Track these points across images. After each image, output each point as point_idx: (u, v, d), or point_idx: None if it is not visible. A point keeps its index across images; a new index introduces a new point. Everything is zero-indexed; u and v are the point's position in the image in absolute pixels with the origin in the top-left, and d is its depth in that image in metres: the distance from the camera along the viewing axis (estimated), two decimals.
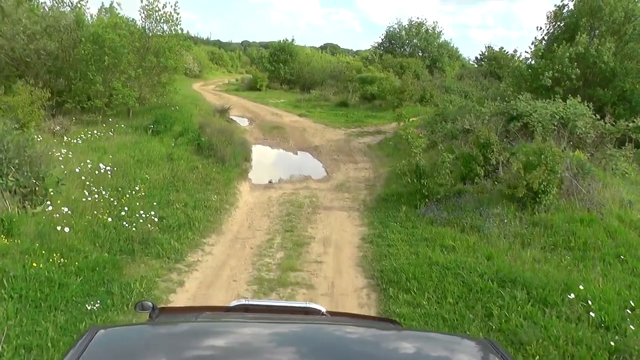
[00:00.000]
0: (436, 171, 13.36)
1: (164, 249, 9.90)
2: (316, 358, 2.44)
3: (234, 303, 4.17)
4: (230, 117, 28.29)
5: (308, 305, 4.35)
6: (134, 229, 10.22)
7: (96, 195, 11.30)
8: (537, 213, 12.33)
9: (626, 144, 16.34)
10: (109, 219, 10.38)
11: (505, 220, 11.94)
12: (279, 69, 43.34)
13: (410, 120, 30.22)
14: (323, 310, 4.40)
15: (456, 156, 14.96)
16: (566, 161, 12.99)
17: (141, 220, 10.57)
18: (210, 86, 47.22)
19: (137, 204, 11.60)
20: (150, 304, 3.83)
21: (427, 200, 13.43)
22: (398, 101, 31.55)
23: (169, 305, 7.62)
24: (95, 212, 10.59)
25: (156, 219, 10.90)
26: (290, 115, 30.89)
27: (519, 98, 17.41)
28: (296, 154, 22.23)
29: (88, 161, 13.46)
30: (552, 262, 10.14)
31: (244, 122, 27.82)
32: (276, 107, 33.73)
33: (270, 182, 17.28)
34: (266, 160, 20.84)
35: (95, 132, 18.03)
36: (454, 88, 35.63)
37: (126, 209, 10.99)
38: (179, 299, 8.26)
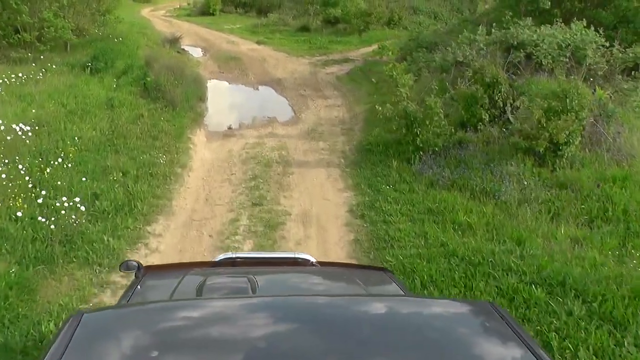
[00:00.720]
0: (430, 117, 10.75)
1: (94, 250, 7.28)
2: (314, 328, 2.35)
3: (220, 257, 4.08)
4: (182, 47, 25.03)
5: (297, 256, 4.28)
6: (53, 220, 7.48)
7: (4, 173, 8.42)
8: (558, 169, 9.92)
9: (633, 73, 13.91)
10: (21, 210, 7.63)
11: (525, 182, 9.50)
12: None
13: (376, 46, 27.57)
14: (313, 260, 4.33)
15: (451, 96, 12.37)
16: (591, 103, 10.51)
17: (66, 205, 7.82)
18: (160, 11, 43.04)
19: (61, 181, 8.79)
20: (135, 263, 3.64)
21: (421, 152, 10.90)
22: (364, 25, 28.53)
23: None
24: (1, 198, 7.81)
25: (83, 207, 7.98)
26: (248, 42, 27.71)
27: (518, 23, 14.68)
28: (257, 89, 19.34)
29: None
30: (594, 243, 7.79)
31: (197, 53, 24.62)
32: (232, 33, 30.42)
33: (229, 128, 14.54)
34: (224, 100, 17.94)
35: (20, 74, 14.86)
36: (423, 9, 32.68)
37: (44, 192, 8.18)
38: None
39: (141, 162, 10.44)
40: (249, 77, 20.54)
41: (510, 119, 11.09)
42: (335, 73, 21.58)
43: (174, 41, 24.93)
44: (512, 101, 11.36)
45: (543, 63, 13.08)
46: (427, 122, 10.72)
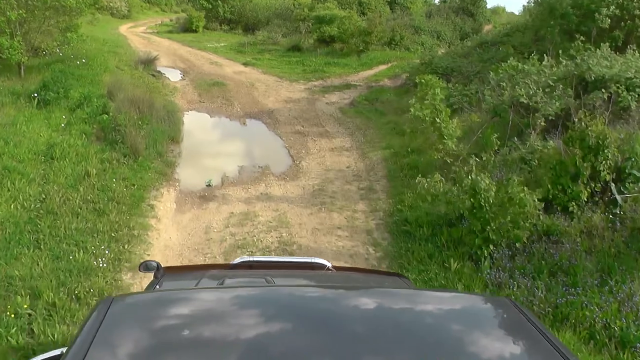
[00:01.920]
0: (510, 201, 6.88)
1: None
2: (324, 319, 2.32)
3: (237, 260, 4.08)
4: (158, 69, 21.13)
5: (313, 260, 4.31)
6: None
7: None
8: None
9: None
10: None
11: None
12: (217, 7, 35.41)
13: (378, 69, 23.77)
14: (329, 264, 4.37)
15: (524, 159, 8.59)
16: None
17: None
18: (140, 28, 38.92)
19: None
20: (154, 263, 3.64)
21: (491, 246, 7.07)
22: (364, 45, 24.77)
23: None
24: None
25: None
26: (233, 63, 23.80)
27: (590, 51, 10.88)
28: (245, 124, 15.40)
29: None
30: None
31: (175, 76, 20.65)
32: (215, 52, 26.47)
33: (208, 185, 10.62)
34: (203, 140, 13.97)
35: None
36: (424, 28, 28.98)
37: None
38: None
39: (69, 268, 6.51)
40: (235, 108, 16.61)
41: (618, 198, 7.29)
42: (337, 103, 17.75)
43: (149, 62, 21.07)
44: (616, 170, 7.55)
45: (632, 106, 9.35)
46: (506, 206, 6.86)
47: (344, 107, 17.13)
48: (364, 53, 24.82)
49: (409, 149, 12.14)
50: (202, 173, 11.28)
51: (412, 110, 10.97)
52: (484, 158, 8.58)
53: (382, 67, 23.77)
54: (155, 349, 2.08)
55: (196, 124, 15.02)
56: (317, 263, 4.18)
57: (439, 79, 14.69)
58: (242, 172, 11.51)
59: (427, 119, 9.04)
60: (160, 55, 22.76)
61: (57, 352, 3.16)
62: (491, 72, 13.13)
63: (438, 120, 8.99)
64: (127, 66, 20.16)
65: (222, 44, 29.25)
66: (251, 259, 4.22)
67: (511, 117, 10.15)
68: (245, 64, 23.40)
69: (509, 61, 12.37)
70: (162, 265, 3.90)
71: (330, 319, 2.31)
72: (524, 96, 9.88)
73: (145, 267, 3.87)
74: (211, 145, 13.57)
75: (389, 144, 13.04)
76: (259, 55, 25.75)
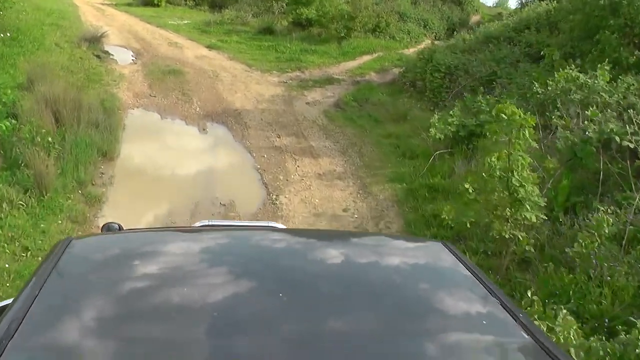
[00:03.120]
0: None
1: None
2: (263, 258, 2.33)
3: (198, 224, 4.06)
4: (106, 48, 16.99)
5: (269, 224, 4.36)
6: None
7: None
8: None
9: None
10: None
11: None
12: None
13: (362, 60, 19.98)
14: (284, 227, 4.78)
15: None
16: None
17: None
18: None
19: None
20: (116, 225, 3.44)
21: None
22: (346, 31, 20.90)
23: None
24: None
25: None
26: (196, 45, 19.68)
27: None
28: (204, 130, 11.53)
29: None
30: None
31: (124, 59, 16.47)
32: (177, 31, 22.20)
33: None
34: (147, 154, 10.02)
35: None
36: (410, 15, 25.22)
37: None
38: None
39: None
40: (193, 106, 12.69)
41: None
42: (320, 103, 13.99)
43: (95, 40, 16.88)
44: None
45: None
46: None
47: (329, 110, 13.35)
48: (345, 40, 20.96)
49: (430, 186, 8.50)
50: (140, 214, 7.46)
51: (432, 131, 7.46)
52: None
53: (367, 58, 19.98)
54: (110, 292, 1.93)
55: (141, 130, 11.10)
56: (272, 227, 4.02)
57: (482, 90, 11.21)
58: (196, 212, 7.75)
59: (496, 173, 5.39)
60: (111, 32, 18.62)
61: (7, 301, 2.40)
62: (534, 83, 9.60)
63: (516, 178, 5.34)
64: (69, 43, 16.08)
65: (185, 22, 24.95)
66: (211, 222, 4.00)
67: (601, 156, 6.52)
68: (210, 47, 19.32)
69: (565, 72, 8.79)
70: (124, 227, 3.48)
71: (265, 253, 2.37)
72: (628, 137, 6.23)
73: (107, 228, 3.52)
74: (158, 164, 9.64)
75: (397, 173, 9.41)
76: (225, 36, 21.65)
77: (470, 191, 5.77)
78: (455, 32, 27.49)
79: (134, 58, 16.78)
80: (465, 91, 13.73)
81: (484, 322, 1.96)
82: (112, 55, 16.42)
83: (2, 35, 13.69)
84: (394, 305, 1.98)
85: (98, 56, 15.90)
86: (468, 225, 5.90)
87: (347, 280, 2.13)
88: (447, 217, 5.90)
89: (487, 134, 6.02)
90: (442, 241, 2.63)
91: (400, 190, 8.69)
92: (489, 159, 5.63)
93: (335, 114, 13.07)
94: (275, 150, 10.51)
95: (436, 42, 25.19)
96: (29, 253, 6.26)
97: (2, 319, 1.70)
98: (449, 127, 9.34)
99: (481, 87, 13.28)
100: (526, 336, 1.81)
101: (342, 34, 20.81)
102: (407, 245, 2.86)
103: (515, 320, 1.89)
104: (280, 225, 4.55)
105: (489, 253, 6.55)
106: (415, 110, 13.63)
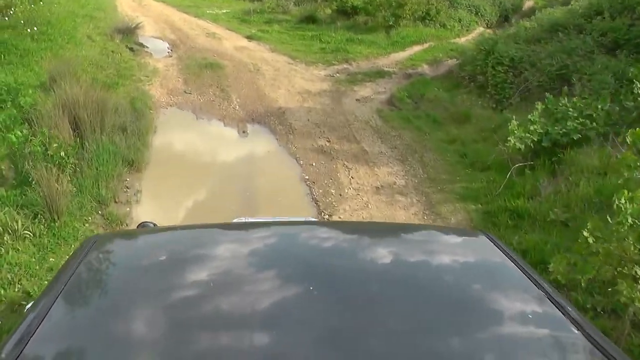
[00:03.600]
0: None
1: None
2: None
3: (234, 220, 3.88)
4: (140, 40, 15.78)
5: (307, 219, 4.31)
6: None
7: None
8: None
9: None
10: None
11: None
12: None
13: (413, 50, 18.35)
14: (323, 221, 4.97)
15: None
16: None
17: None
18: None
19: None
20: (151, 224, 3.25)
21: None
22: (394, 19, 19.29)
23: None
24: None
25: None
26: (235, 36, 18.33)
27: None
28: (245, 133, 10.15)
29: None
30: None
31: (160, 51, 15.22)
32: (215, 21, 20.85)
33: None
34: (179, 164, 8.66)
35: None
36: (461, 1, 23.45)
37: None
38: None
39: None
40: (232, 105, 11.33)
41: None
42: (371, 100, 12.49)
43: (129, 31, 15.69)
44: None
45: None
46: None
47: (382, 109, 11.84)
48: (393, 29, 19.37)
49: (512, 210, 6.97)
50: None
51: (511, 140, 5.99)
52: None
53: (417, 48, 18.36)
54: (135, 290, 1.87)
55: (174, 133, 9.78)
56: (312, 221, 4.01)
57: (559, 88, 9.59)
58: None
59: (627, 221, 3.85)
60: (147, 22, 17.44)
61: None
62: (628, 82, 8.03)
63: None
64: (102, 36, 14.88)
65: (224, 11, 23.61)
66: (246, 220, 3.76)
67: None
68: (250, 38, 17.93)
69: None
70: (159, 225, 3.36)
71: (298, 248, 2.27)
72: None
73: (143, 227, 3.34)
74: (192, 175, 8.28)
75: (468, 190, 7.91)
76: (266, 26, 20.25)
77: (591, 241, 4.22)
78: (508, 19, 25.72)
79: (169, 50, 15.50)
80: (532, 87, 12.12)
81: (530, 315, 1.82)
82: (146, 47, 15.18)
83: (29, 29, 12.51)
84: (439, 300, 1.86)
85: (131, 49, 14.68)
86: (583, 283, 4.36)
87: (392, 276, 2.02)
88: (556, 272, 4.35)
89: (620, 168, 4.40)
90: (484, 232, 2.52)
91: (475, 212, 7.17)
92: (617, 200, 4.07)
93: (390, 113, 11.55)
94: (325, 156, 9.08)
95: (488, 30, 23.47)
96: (31, 300, 4.96)
97: (25, 317, 1.63)
98: (531, 136, 7.79)
99: (553, 83, 11.69)
100: (575, 331, 1.69)
101: (390, 23, 19.22)
102: (450, 237, 2.74)
103: (564, 314, 1.77)
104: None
105: (600, 311, 5.02)
106: (477, 108, 12.01)
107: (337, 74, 14.44)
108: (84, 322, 1.70)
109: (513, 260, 2.13)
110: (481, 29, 23.74)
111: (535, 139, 7.83)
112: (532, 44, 14.24)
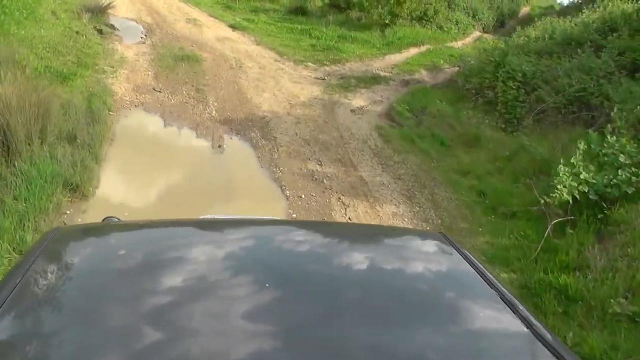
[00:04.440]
0: None
1: None
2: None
3: (200, 217, 3.47)
4: (112, 21, 13.83)
5: (276, 219, 4.20)
6: None
7: None
8: None
9: None
10: None
11: None
12: None
13: (409, 53, 16.62)
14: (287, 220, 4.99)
15: None
16: None
17: None
18: None
19: None
20: (116, 219, 2.97)
21: None
22: (390, 17, 17.56)
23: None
24: None
25: None
26: (218, 24, 16.41)
27: None
28: (220, 147, 8.29)
29: None
30: None
31: (132, 36, 13.24)
32: (197, 5, 18.78)
33: None
34: (136, 188, 6.81)
35: None
36: (459, 3, 21.79)
37: None
38: None
39: None
40: (208, 109, 9.50)
41: None
42: (368, 112, 10.78)
43: (99, 10, 13.73)
44: None
45: None
46: None
47: (381, 125, 10.11)
48: (389, 28, 17.66)
49: (557, 289, 5.30)
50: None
51: (559, 189, 4.58)
52: None
53: (414, 51, 16.69)
54: (94, 285, 1.77)
55: (135, 144, 7.91)
56: (276, 220, 3.97)
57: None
58: None
59: None
60: (122, 1, 15.40)
61: None
62: None
63: None
64: (68, 13, 12.90)
65: None
66: (214, 217, 3.44)
67: None
68: (233, 27, 16.05)
69: None
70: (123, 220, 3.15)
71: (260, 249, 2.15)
72: None
73: (107, 221, 3.04)
74: (149, 203, 6.45)
75: (494, 248, 6.25)
76: (252, 15, 18.36)
77: None
78: (504, 24, 24.21)
79: (143, 36, 13.56)
80: (548, 109, 10.55)
81: (482, 314, 1.81)
82: (117, 30, 13.23)
83: None
84: (391, 296, 1.84)
85: (100, 31, 12.74)
86: None
87: (349, 274, 1.97)
88: None
89: None
90: (442, 233, 2.49)
91: (509, 284, 5.49)
92: None
93: (390, 130, 9.82)
94: (317, 186, 7.33)
95: (485, 35, 21.99)
96: None
97: None
98: (578, 187, 6.15)
99: (570, 106, 10.17)
100: (525, 329, 1.67)
101: (386, 21, 17.52)
102: (407, 237, 2.73)
103: (514, 313, 1.74)
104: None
105: None
106: (485, 128, 10.40)
107: (329, 77, 12.65)
108: (37, 320, 1.57)
109: (469, 261, 2.09)
110: (478, 33, 22.26)
111: (584, 190, 6.19)
112: (542, 57, 12.62)
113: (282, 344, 1.51)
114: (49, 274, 1.85)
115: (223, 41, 14.14)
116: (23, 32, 10.15)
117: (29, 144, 6.28)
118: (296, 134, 8.93)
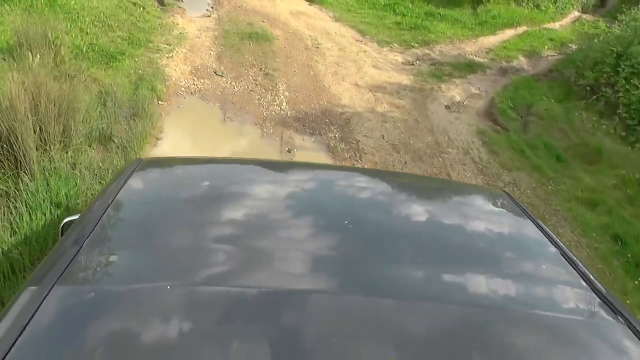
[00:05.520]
0: None
1: None
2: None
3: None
4: None
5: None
6: None
7: None
8: None
9: None
10: None
11: None
12: None
13: (505, 35, 14.40)
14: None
15: None
16: None
17: None
18: None
19: None
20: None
21: None
22: None
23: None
24: None
25: None
26: None
27: None
28: (289, 152, 6.54)
29: None
30: None
31: (197, 8, 11.55)
32: None
33: None
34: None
35: None
36: None
37: None
38: None
39: None
40: (277, 99, 7.77)
41: None
42: (465, 107, 8.87)
43: None
44: None
45: None
46: None
47: (483, 128, 8.14)
48: (481, 5, 15.44)
49: None
50: None
51: None
52: None
53: (510, 33, 14.47)
54: (176, 214, 1.83)
55: (185, 145, 6.23)
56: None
57: None
58: None
59: None
60: None
61: (74, 217, 2.11)
62: None
63: None
64: None
65: None
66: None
67: None
68: (310, 1, 14.14)
69: None
70: None
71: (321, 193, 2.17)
72: None
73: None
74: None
75: None
76: None
77: None
78: (604, 3, 21.47)
79: (209, 8, 11.88)
80: None
81: (544, 267, 1.80)
82: (181, 1, 11.59)
83: None
84: (452, 251, 1.78)
85: (161, 1, 11.13)
86: None
87: (412, 223, 1.94)
88: None
89: None
90: (505, 192, 2.46)
91: None
92: None
93: (494, 136, 7.86)
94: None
95: (584, 16, 19.43)
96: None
97: (69, 234, 1.60)
98: None
99: None
100: (584, 284, 1.66)
101: None
102: (470, 192, 2.70)
103: (575, 270, 1.73)
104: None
105: None
106: (603, 136, 8.36)
107: (418, 62, 10.72)
108: (124, 245, 1.62)
109: (532, 220, 2.05)
110: (576, 12, 19.67)
111: None
112: None
113: (341, 278, 1.50)
114: (133, 200, 1.88)
115: (298, 16, 12.34)
116: (73, 2, 8.67)
117: (46, 150, 4.73)
118: (382, 137, 7.12)
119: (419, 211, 2.07)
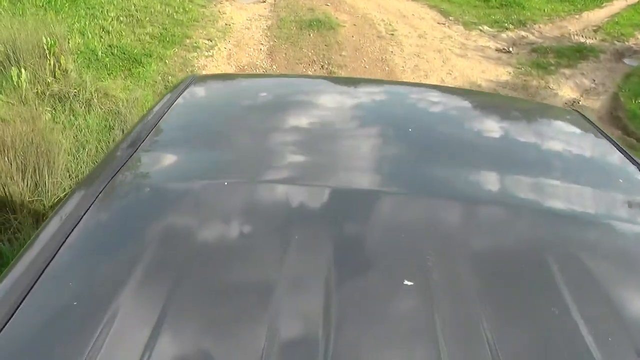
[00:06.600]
0: None
1: None
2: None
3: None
4: None
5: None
6: None
7: None
8: None
9: None
10: None
11: None
12: None
13: (613, 6, 11.94)
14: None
15: None
16: None
17: None
18: None
19: None
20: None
21: None
22: None
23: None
24: None
25: None
26: None
27: None
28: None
29: None
30: None
31: None
32: None
33: None
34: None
35: None
36: None
37: None
38: None
39: None
40: None
41: None
42: (584, 111, 6.56)
43: None
44: None
45: None
46: None
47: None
48: None
49: None
50: None
51: None
52: None
53: (619, 4, 12.03)
54: (236, 120, 1.77)
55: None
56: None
57: None
58: None
59: None
60: None
61: None
62: None
63: None
64: None
65: None
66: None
67: None
68: None
69: None
70: None
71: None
72: None
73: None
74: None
75: None
76: None
77: None
78: None
79: None
80: None
81: (621, 180, 1.68)
82: None
83: None
84: (524, 162, 1.67)
85: None
86: None
87: (481, 138, 1.81)
88: None
89: None
90: (577, 111, 2.29)
91: None
92: None
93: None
94: None
95: None
96: None
97: (123, 140, 1.56)
98: None
99: None
100: None
101: None
102: (540, 110, 2.59)
103: None
104: None
105: None
106: None
107: (514, 48, 8.62)
108: (181, 146, 1.56)
109: (607, 138, 1.90)
110: None
111: None
112: None
113: (407, 179, 1.45)
114: (190, 109, 1.83)
115: None
116: None
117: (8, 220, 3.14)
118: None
119: (488, 125, 1.95)
